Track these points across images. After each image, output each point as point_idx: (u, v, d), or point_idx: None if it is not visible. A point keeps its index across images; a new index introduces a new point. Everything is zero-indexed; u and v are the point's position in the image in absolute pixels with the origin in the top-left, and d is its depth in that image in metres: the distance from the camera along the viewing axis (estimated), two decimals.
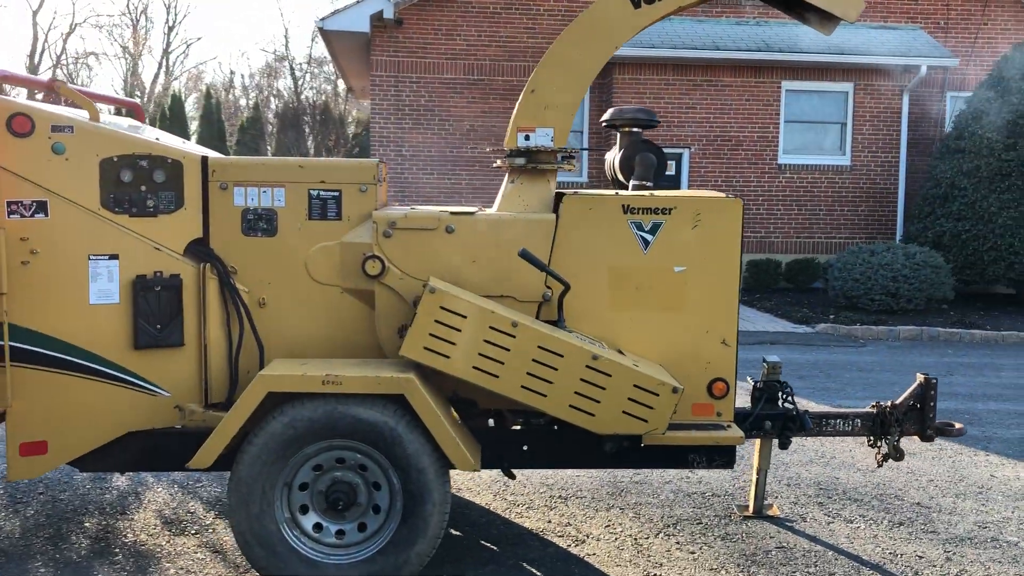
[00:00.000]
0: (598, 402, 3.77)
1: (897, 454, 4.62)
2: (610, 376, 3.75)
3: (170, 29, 44.73)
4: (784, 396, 4.59)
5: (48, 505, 4.79)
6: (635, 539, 4.57)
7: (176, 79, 39.55)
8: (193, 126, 24.85)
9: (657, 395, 3.78)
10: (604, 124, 5.05)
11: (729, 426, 4.15)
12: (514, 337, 3.73)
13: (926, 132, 15.99)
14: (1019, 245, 12.99)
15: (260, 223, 4.04)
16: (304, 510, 3.81)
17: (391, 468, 3.75)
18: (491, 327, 3.72)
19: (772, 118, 15.43)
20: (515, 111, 4.27)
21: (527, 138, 4.25)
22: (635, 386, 3.77)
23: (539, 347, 3.73)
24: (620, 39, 4.24)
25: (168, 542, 4.35)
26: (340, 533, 3.82)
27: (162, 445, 4.02)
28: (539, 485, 5.30)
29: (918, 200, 14.37)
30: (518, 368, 3.73)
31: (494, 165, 4.58)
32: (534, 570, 4.17)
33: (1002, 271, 13.18)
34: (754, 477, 4.95)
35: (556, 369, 3.74)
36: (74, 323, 3.81)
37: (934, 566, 4.37)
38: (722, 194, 4.16)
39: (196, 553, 4.23)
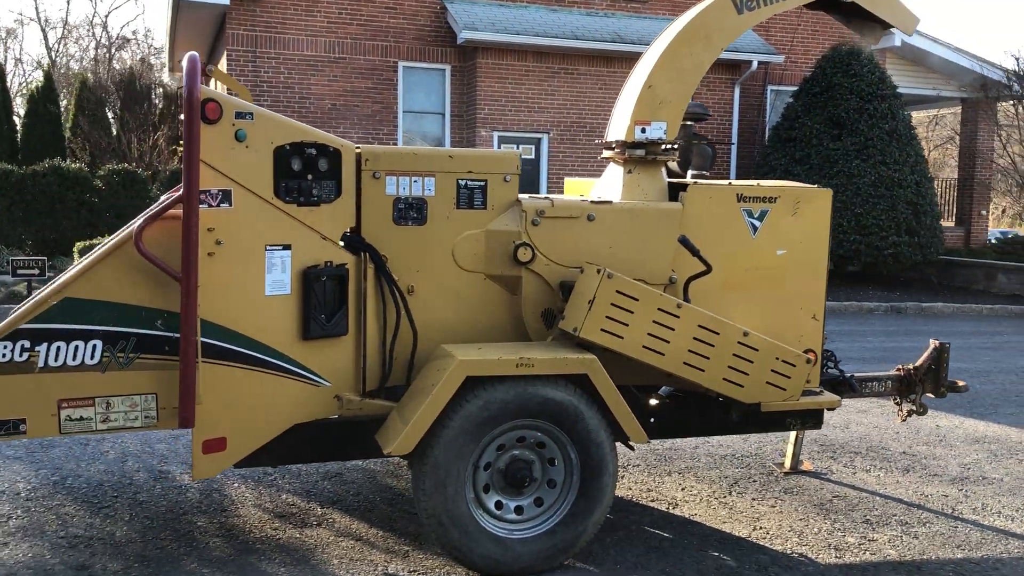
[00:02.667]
0: (747, 374, 4.17)
1: (922, 409, 5.36)
2: (757, 350, 4.17)
3: None
4: (831, 363, 5.19)
5: (137, 509, 4.54)
6: (717, 499, 5.03)
7: None
8: None
9: (795, 366, 4.24)
10: None
11: (821, 391, 4.69)
12: (678, 317, 4.05)
13: (751, 122, 17.54)
14: (847, 225, 14.66)
15: (411, 212, 4.08)
16: (487, 489, 3.95)
17: (570, 444, 3.97)
18: (659, 309, 4.02)
19: None
20: (633, 106, 4.55)
21: (643, 131, 4.55)
22: (777, 358, 4.21)
23: (699, 326, 4.08)
24: (725, 41, 4.64)
25: (301, 534, 4.29)
26: (519, 509, 4.00)
27: (316, 436, 4.00)
28: None
29: None
30: (681, 346, 4.06)
31: (601, 157, 4.83)
32: (660, 532, 4.52)
33: (833, 247, 14.83)
34: (792, 437, 5.56)
35: (713, 346, 4.11)
36: (251, 315, 3.71)
37: (960, 503, 5.15)
38: (814, 185, 4.67)
39: (341, 541, 4.22)
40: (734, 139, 17.03)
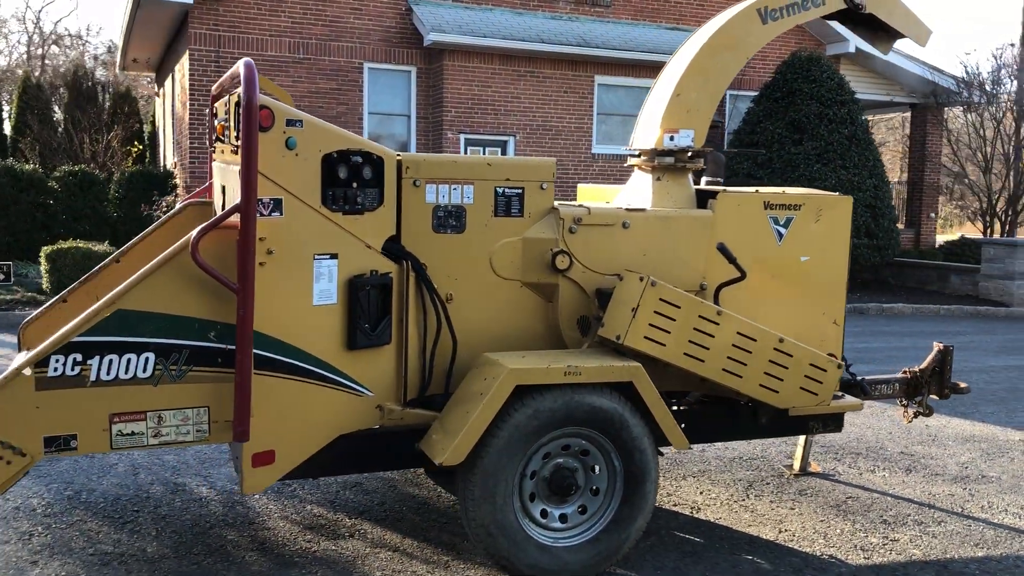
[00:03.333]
0: (782, 380, 4.24)
1: (928, 411, 5.50)
2: (791, 356, 4.24)
3: None
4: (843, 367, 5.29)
5: (162, 523, 4.43)
6: (737, 502, 5.09)
7: None
8: None
9: (826, 371, 4.32)
10: None
11: (843, 395, 4.78)
12: (718, 325, 4.09)
13: (712, 125, 17.74)
14: None
15: (450, 220, 4.06)
16: (532, 497, 3.94)
17: (614, 451, 3.98)
18: (700, 316, 4.06)
19: (587, 110, 16.44)
20: (663, 114, 4.59)
21: (672, 139, 4.59)
22: (811, 364, 4.28)
23: (738, 333, 4.13)
24: (751, 51, 4.70)
25: (336, 546, 4.24)
26: (564, 517, 4.00)
27: (356, 447, 3.95)
28: None
29: None
30: (721, 353, 4.11)
31: (627, 164, 4.86)
32: (690, 536, 4.57)
33: None
34: (802, 440, 5.65)
35: (751, 352, 4.16)
36: (299, 326, 3.66)
37: (968, 501, 5.29)
38: (836, 193, 4.76)
39: (378, 552, 4.17)
40: None
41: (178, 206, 4.82)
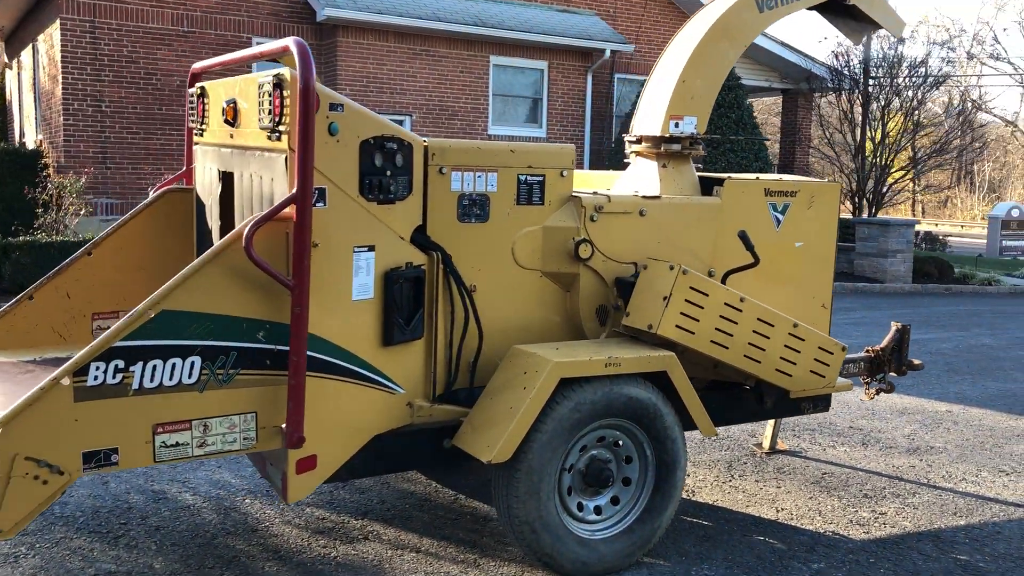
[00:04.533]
0: (794, 364, 4.33)
1: (889, 387, 5.75)
2: (803, 340, 4.33)
3: None
4: None
5: (158, 536, 4.11)
6: (726, 483, 5.19)
7: None
8: None
9: (832, 354, 4.44)
10: None
11: None
12: (741, 311, 4.14)
13: (601, 110, 18.01)
14: None
15: (474, 208, 3.92)
16: (569, 491, 3.88)
17: (647, 441, 3.97)
18: (725, 303, 4.09)
19: (483, 90, 16.32)
20: (668, 100, 4.58)
21: (676, 125, 4.59)
22: (820, 348, 4.39)
23: (758, 319, 4.19)
24: (748, 39, 4.75)
25: (355, 550, 4.04)
26: (598, 509, 3.96)
27: (385, 446, 3.78)
28: None
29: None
30: (743, 339, 4.15)
31: (628, 151, 4.82)
32: (698, 520, 4.62)
33: None
34: (771, 420, 5.81)
35: (768, 338, 4.23)
36: (339, 322, 3.45)
37: (929, 472, 5.59)
38: (824, 180, 4.89)
39: (402, 555, 4.01)
40: (586, 127, 17.42)
41: (153, 194, 4.45)
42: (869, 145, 18.71)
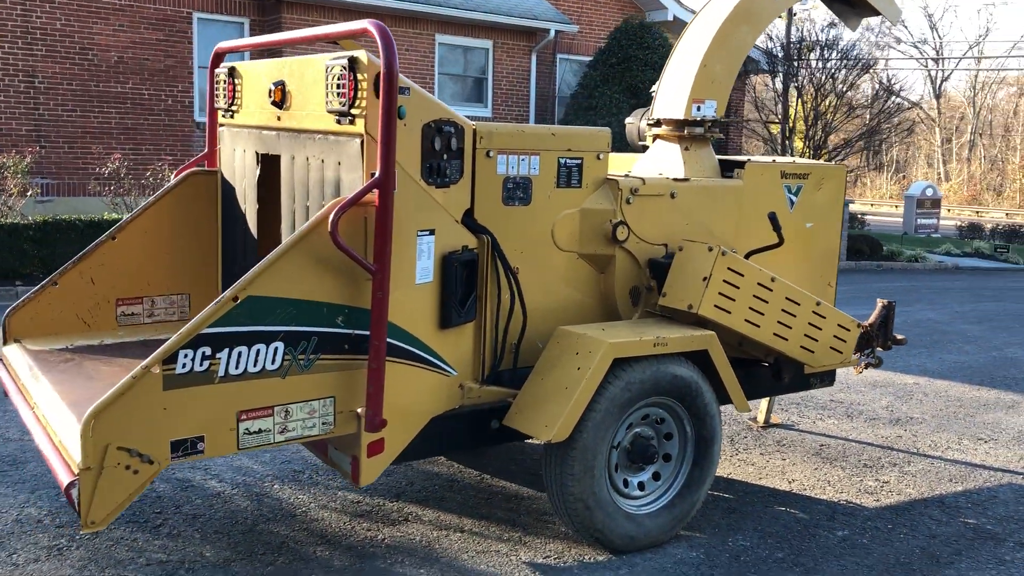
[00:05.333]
0: (816, 340, 4.50)
1: (877, 362, 5.99)
2: (824, 318, 4.50)
3: None
4: None
5: (199, 524, 4.05)
6: (733, 456, 5.36)
7: None
8: None
9: (849, 330, 4.63)
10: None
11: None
12: (771, 291, 4.27)
13: (544, 90, 18.08)
14: None
15: (518, 192, 3.95)
16: (616, 468, 3.97)
17: (687, 417, 4.08)
18: (758, 283, 4.22)
19: (428, 69, 16.21)
20: (692, 84, 4.67)
21: (698, 109, 4.69)
22: (838, 325, 4.57)
23: (786, 298, 4.33)
24: (766, 22, 4.89)
25: (399, 532, 4.06)
26: (641, 485, 4.06)
27: (436, 428, 3.80)
28: None
29: None
30: (773, 317, 4.30)
31: (649, 134, 4.90)
32: (719, 493, 4.77)
33: None
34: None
35: (795, 316, 4.38)
36: (405, 306, 3.45)
37: (916, 441, 5.87)
38: (832, 163, 5.06)
39: (449, 535, 4.04)
40: (531, 106, 17.48)
41: (176, 178, 4.35)
42: (801, 126, 19.23)
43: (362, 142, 3.22)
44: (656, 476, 4.11)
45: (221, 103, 4.28)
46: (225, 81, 4.21)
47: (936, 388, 7.34)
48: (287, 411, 3.11)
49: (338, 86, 3.29)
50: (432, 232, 3.54)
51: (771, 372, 4.76)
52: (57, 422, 3.11)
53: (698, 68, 4.68)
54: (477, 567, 3.77)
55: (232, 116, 4.20)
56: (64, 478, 2.79)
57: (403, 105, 3.32)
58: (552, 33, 17.02)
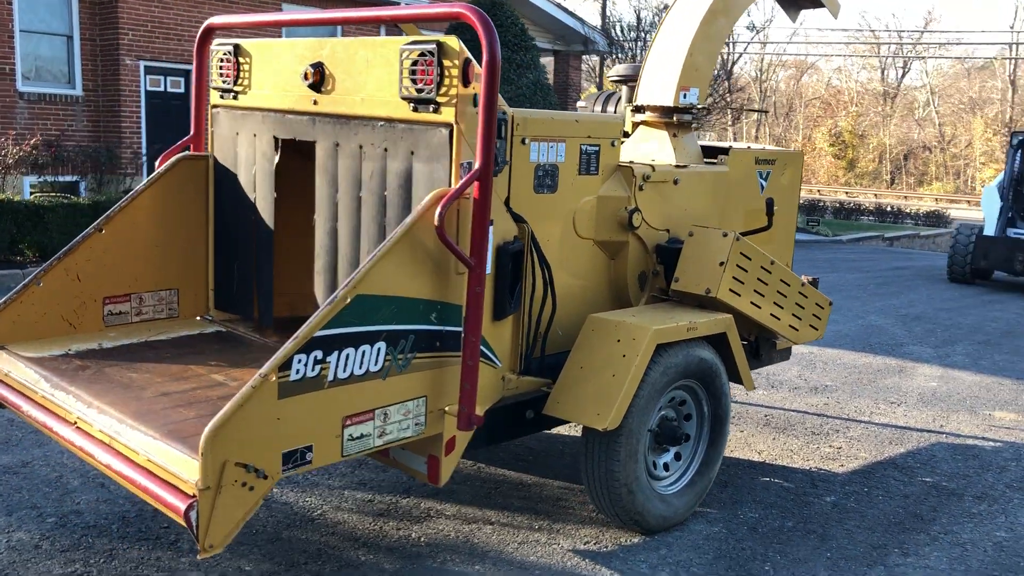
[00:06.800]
0: (800, 319, 4.74)
1: None
2: (807, 297, 4.76)
3: None
4: None
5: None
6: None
7: None
8: None
9: (824, 308, 4.91)
10: (616, 79, 5.64)
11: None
12: (771, 273, 4.47)
13: None
14: None
15: (547, 179, 3.91)
16: (648, 451, 4.04)
17: (706, 398, 4.21)
18: (761, 266, 4.40)
19: (276, 36, 15.48)
20: (679, 72, 4.77)
21: (684, 96, 4.80)
22: (816, 304, 4.84)
23: (781, 280, 4.54)
24: (739, 14, 5.05)
25: (432, 528, 3.94)
26: (666, 466, 4.15)
27: (487, 421, 3.73)
28: None
29: None
30: (769, 298, 4.49)
31: (636, 120, 4.94)
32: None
33: None
34: None
35: (786, 296, 4.60)
36: None
37: (843, 407, 6.32)
38: (791, 149, 5.32)
39: (483, 528, 3.97)
40: None
41: (165, 163, 3.98)
42: None
43: (451, 132, 3.09)
44: (677, 456, 4.22)
45: (218, 82, 3.95)
46: (225, 60, 3.89)
47: (829, 356, 7.90)
48: (386, 414, 2.96)
49: (413, 72, 3.13)
50: (492, 222, 3.45)
51: (750, 350, 4.98)
52: (131, 439, 2.80)
53: (685, 56, 4.78)
54: (527, 558, 3.74)
55: (235, 97, 3.90)
56: (176, 502, 2.53)
57: (477, 92, 3.21)
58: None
